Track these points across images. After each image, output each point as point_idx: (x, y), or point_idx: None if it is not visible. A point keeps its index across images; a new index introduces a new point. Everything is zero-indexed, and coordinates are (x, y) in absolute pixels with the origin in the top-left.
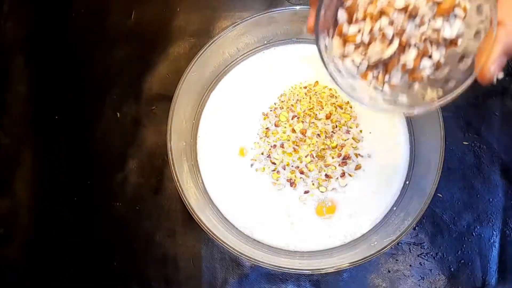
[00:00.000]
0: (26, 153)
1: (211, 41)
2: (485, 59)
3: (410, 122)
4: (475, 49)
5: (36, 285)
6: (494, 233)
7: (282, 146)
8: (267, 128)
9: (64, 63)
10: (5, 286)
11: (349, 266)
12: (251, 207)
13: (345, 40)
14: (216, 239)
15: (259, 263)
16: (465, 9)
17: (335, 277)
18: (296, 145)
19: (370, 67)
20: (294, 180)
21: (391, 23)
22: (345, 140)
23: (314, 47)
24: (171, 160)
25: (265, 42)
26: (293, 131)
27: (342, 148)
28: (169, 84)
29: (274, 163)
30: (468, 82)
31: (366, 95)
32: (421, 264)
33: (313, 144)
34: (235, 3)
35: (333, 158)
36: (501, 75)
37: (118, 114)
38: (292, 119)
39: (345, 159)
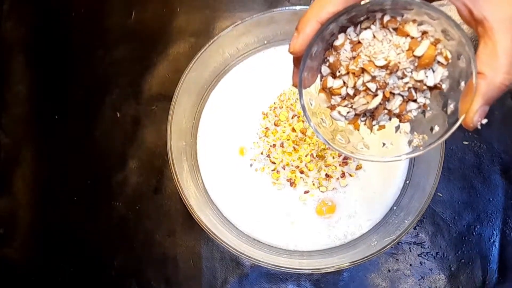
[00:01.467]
0: (26, 153)
1: (211, 41)
2: (467, 109)
3: None
4: (458, 93)
5: (36, 285)
6: (494, 232)
7: (282, 145)
8: (266, 128)
9: (64, 63)
10: (5, 286)
11: (349, 265)
12: (251, 207)
13: (330, 93)
14: (216, 238)
15: (259, 262)
16: (446, 58)
17: (335, 276)
18: (296, 145)
19: (357, 115)
20: (294, 180)
21: (374, 78)
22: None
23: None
24: (171, 160)
25: (265, 42)
26: (293, 130)
27: None
28: (169, 84)
29: (274, 163)
30: (453, 129)
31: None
32: (421, 264)
33: (313, 143)
34: (235, 3)
35: (333, 158)
36: (484, 121)
37: (118, 114)
38: (292, 118)
39: (345, 159)
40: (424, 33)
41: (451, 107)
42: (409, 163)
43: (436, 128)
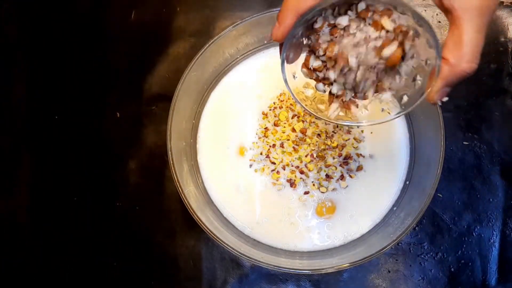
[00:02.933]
0: (26, 153)
1: (211, 41)
2: (431, 88)
3: (411, 122)
4: (427, 71)
5: (36, 285)
6: (494, 233)
7: (282, 145)
8: (266, 128)
9: (64, 63)
10: (5, 286)
11: (349, 266)
12: (251, 207)
13: (313, 69)
14: (216, 239)
15: (259, 263)
16: (413, 43)
17: (335, 277)
18: (296, 145)
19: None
20: (294, 180)
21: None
22: (346, 140)
23: None
24: (171, 160)
25: (265, 42)
26: (293, 130)
27: (343, 148)
28: (169, 84)
29: (273, 163)
30: (419, 101)
31: (333, 113)
32: (421, 264)
33: (313, 143)
34: (235, 3)
35: (334, 158)
36: (445, 99)
37: (118, 114)
38: (292, 118)
39: (346, 159)
40: (398, 28)
41: (418, 82)
42: (409, 164)
43: (405, 99)
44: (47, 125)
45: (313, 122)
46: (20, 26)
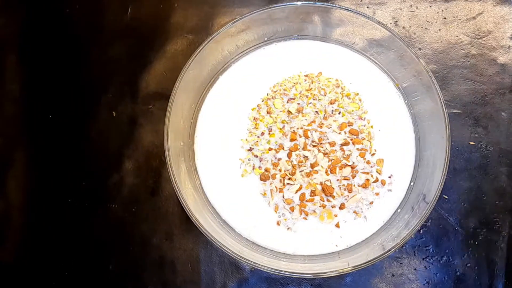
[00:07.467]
0: (19, 153)
1: (210, 38)
2: None
3: (416, 122)
4: None
5: (30, 287)
6: (501, 236)
7: (270, 131)
8: (255, 118)
9: (58, 60)
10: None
11: (352, 270)
12: (250, 209)
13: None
14: (214, 242)
15: (259, 266)
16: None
17: (337, 281)
18: (286, 123)
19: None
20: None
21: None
22: (359, 127)
23: (316, 43)
24: (168, 161)
25: (265, 39)
26: (289, 113)
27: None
28: (166, 82)
29: (256, 156)
30: None
31: None
32: (426, 268)
33: (308, 119)
34: None
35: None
36: None
37: (114, 113)
38: (287, 102)
39: (345, 148)
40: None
41: None
42: (414, 165)
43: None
44: (41, 124)
45: (311, 103)
46: (13, 23)
